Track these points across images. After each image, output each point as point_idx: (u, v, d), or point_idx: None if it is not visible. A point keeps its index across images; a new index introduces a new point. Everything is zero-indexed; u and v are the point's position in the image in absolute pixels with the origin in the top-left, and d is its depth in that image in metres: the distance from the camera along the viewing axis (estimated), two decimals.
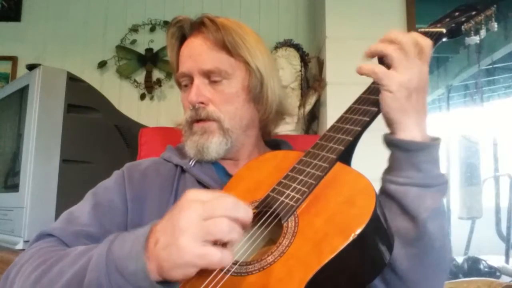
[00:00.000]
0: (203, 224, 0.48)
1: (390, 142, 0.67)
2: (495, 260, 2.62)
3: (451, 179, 3.27)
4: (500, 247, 2.86)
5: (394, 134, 0.67)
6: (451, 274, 2.38)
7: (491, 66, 3.41)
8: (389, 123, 0.67)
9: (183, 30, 0.89)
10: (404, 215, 0.65)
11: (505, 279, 2.39)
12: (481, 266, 2.52)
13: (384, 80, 0.64)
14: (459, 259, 2.59)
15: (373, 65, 0.66)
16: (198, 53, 0.84)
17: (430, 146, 0.65)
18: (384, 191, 0.68)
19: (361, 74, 0.68)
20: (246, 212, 0.51)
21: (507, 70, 3.59)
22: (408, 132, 0.65)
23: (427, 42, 0.66)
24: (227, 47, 0.84)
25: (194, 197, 0.51)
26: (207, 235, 0.48)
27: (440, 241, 0.66)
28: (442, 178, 0.67)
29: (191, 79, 0.85)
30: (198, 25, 0.86)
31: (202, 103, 0.83)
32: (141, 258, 0.51)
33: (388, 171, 0.69)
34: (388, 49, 0.65)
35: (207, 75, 0.84)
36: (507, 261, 2.73)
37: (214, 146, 0.83)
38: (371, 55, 0.68)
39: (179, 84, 0.90)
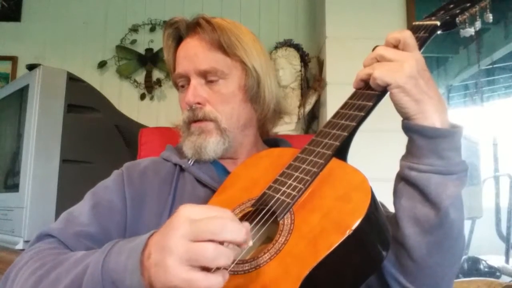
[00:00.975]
0: (189, 247, 0.47)
1: (411, 128, 0.65)
2: (495, 260, 2.62)
3: None
4: (500, 247, 2.85)
5: (415, 121, 0.65)
6: None
7: (491, 66, 3.41)
8: (408, 117, 0.66)
9: (179, 31, 0.89)
10: (425, 202, 0.64)
11: (505, 279, 2.39)
12: (481, 266, 2.51)
13: (389, 79, 0.64)
14: None
15: (369, 71, 0.67)
16: (194, 53, 0.84)
17: (452, 133, 0.64)
18: (404, 178, 0.67)
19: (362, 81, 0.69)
20: (235, 234, 0.48)
21: (507, 70, 3.59)
22: (429, 119, 0.64)
23: (405, 33, 0.67)
24: (223, 47, 0.84)
25: (186, 214, 0.50)
26: (191, 260, 0.46)
27: (459, 229, 0.65)
28: (464, 165, 0.66)
29: (187, 79, 0.86)
30: (194, 26, 0.86)
31: (199, 103, 0.84)
32: (136, 273, 0.50)
33: (407, 157, 0.67)
34: (379, 52, 0.67)
35: (204, 75, 0.84)
36: (507, 261, 2.72)
37: (212, 146, 0.83)
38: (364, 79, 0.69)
39: (176, 85, 0.90)
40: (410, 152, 0.67)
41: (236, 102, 0.86)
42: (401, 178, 0.68)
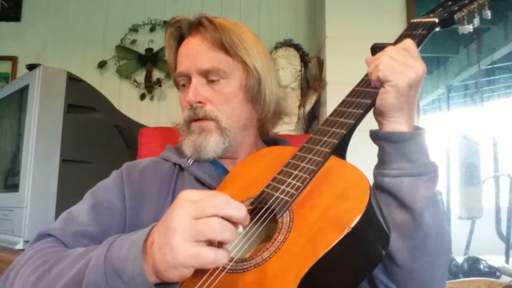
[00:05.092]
0: (194, 224, 0.48)
1: (378, 136, 0.69)
2: (495, 260, 2.61)
3: (451, 179, 3.27)
4: (500, 247, 2.85)
5: (382, 126, 0.69)
6: (451, 274, 2.38)
7: (491, 66, 3.40)
8: (381, 114, 0.69)
9: (181, 30, 0.89)
10: (400, 207, 0.66)
11: (505, 279, 2.39)
12: (481, 266, 2.51)
13: (392, 77, 0.66)
14: (459, 259, 2.58)
15: (378, 61, 0.68)
16: (196, 52, 0.84)
17: (416, 135, 0.67)
18: (378, 186, 0.69)
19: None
20: (238, 210, 0.51)
21: (507, 70, 3.58)
22: (398, 125, 0.67)
23: (407, 40, 0.70)
24: (225, 47, 0.84)
25: (186, 196, 0.52)
26: (198, 234, 0.48)
27: (436, 228, 0.67)
28: (433, 166, 0.68)
29: (189, 79, 0.86)
30: (196, 25, 0.86)
31: (200, 102, 0.84)
32: (138, 261, 0.51)
33: (379, 165, 0.70)
34: (389, 53, 0.68)
35: (205, 74, 0.84)
36: (507, 261, 2.72)
37: (212, 145, 0.83)
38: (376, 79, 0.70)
39: (177, 84, 0.91)
40: (381, 159, 0.70)
41: (237, 102, 0.86)
42: (376, 187, 0.70)
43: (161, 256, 0.49)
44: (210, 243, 0.49)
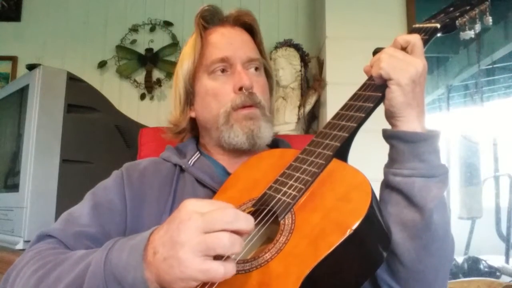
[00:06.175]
0: (203, 238, 0.48)
1: (392, 135, 0.68)
2: (495, 260, 2.62)
3: (451, 179, 3.27)
4: (500, 247, 2.86)
5: (396, 127, 0.68)
6: (451, 274, 2.38)
7: (491, 66, 3.40)
8: (392, 116, 0.68)
9: (214, 18, 0.90)
10: (411, 206, 0.65)
11: (505, 279, 2.39)
12: (481, 266, 2.52)
13: (394, 75, 0.65)
14: (459, 259, 2.59)
15: (378, 62, 0.68)
16: (242, 42, 0.87)
17: (431, 136, 0.67)
18: (388, 185, 0.69)
19: (369, 74, 0.71)
20: (246, 223, 0.50)
21: (507, 70, 3.58)
22: (411, 124, 0.67)
23: (414, 37, 0.69)
24: (259, 46, 0.90)
25: (193, 208, 0.51)
26: (208, 250, 0.47)
27: (443, 230, 0.66)
28: (444, 168, 0.68)
29: (229, 65, 0.85)
30: (240, 18, 0.90)
31: (251, 88, 0.84)
32: (139, 268, 0.51)
33: (390, 164, 0.70)
34: (388, 52, 0.68)
35: (249, 64, 0.86)
36: (507, 261, 2.73)
37: (266, 131, 0.84)
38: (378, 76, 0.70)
39: (208, 70, 0.86)
40: (393, 158, 0.69)
41: (268, 95, 0.90)
42: (386, 186, 0.69)
43: (166, 268, 0.49)
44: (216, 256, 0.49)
